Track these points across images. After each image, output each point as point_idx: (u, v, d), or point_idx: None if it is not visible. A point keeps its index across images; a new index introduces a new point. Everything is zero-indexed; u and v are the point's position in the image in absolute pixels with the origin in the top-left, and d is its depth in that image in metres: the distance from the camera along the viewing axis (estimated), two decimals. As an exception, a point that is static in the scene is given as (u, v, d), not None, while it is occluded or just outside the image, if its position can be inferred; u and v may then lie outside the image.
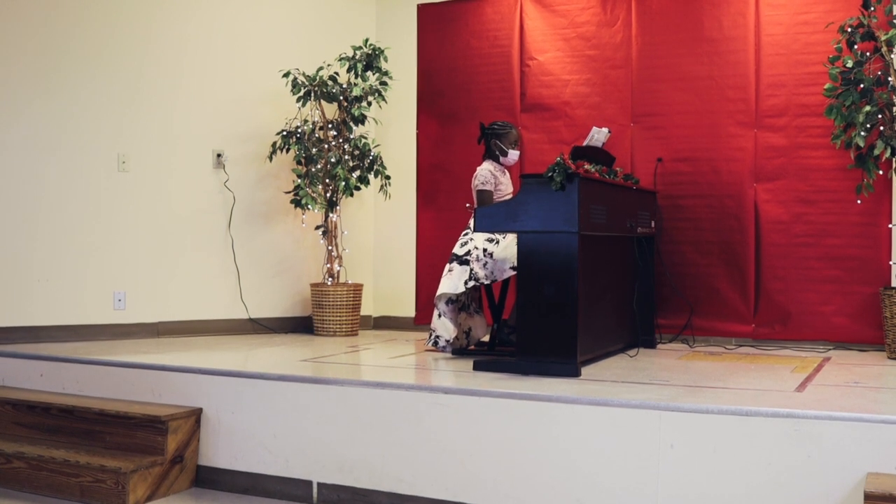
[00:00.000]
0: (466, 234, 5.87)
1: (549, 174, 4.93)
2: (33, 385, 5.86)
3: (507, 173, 6.10)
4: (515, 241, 5.54)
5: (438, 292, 5.78)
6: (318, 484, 4.89)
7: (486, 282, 5.71)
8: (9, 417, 5.60)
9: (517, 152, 6.05)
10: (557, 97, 7.15)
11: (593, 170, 5.42)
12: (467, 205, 6.26)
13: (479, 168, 5.99)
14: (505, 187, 5.99)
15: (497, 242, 5.65)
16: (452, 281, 5.74)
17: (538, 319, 5.03)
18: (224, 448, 5.17)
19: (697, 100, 6.71)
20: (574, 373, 4.91)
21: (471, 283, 5.67)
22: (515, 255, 5.50)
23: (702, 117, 6.70)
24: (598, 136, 5.94)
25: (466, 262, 5.72)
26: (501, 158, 6.03)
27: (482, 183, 5.90)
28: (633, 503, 4.13)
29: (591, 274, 5.23)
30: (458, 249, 5.83)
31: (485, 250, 5.65)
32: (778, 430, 3.91)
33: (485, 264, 5.64)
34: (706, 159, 6.67)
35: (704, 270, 6.65)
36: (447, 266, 5.82)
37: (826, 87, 5.85)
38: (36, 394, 5.72)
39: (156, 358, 5.74)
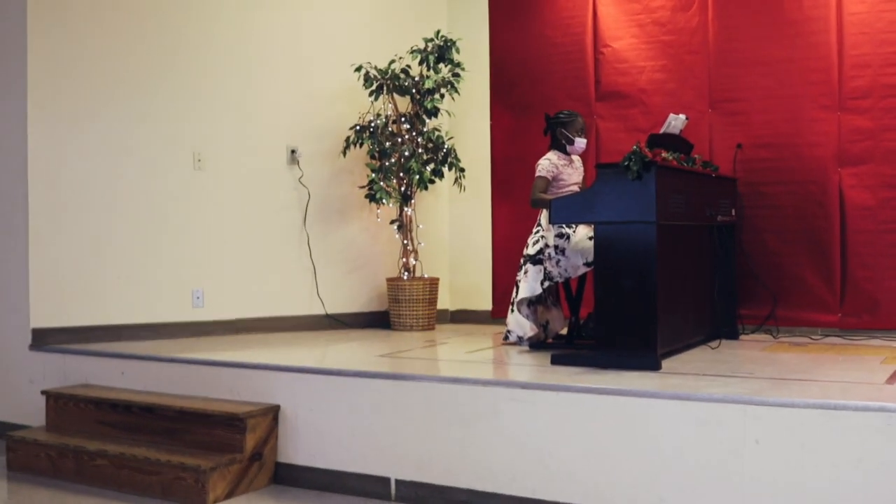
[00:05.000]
0: (537, 231, 5.80)
1: (626, 163, 4.83)
2: (115, 383, 5.93)
3: (577, 164, 6.01)
4: (586, 236, 5.47)
5: (518, 297, 5.73)
6: (397, 481, 4.86)
7: (560, 280, 5.64)
8: (92, 416, 5.68)
9: (584, 140, 5.95)
10: (633, 84, 7.02)
11: (671, 158, 5.30)
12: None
13: (542, 158, 5.91)
14: (570, 178, 5.89)
15: (567, 238, 5.57)
16: (529, 283, 5.69)
17: (617, 312, 4.93)
18: (302, 445, 5.18)
19: (777, 83, 6.53)
20: (654, 366, 4.80)
21: (546, 283, 5.61)
22: (587, 251, 5.44)
23: (782, 101, 6.51)
24: (675, 123, 5.81)
25: (540, 262, 5.66)
26: (568, 147, 5.93)
27: (539, 171, 5.82)
28: (717, 500, 4.02)
29: (671, 265, 5.11)
30: (529, 250, 5.77)
31: (556, 247, 5.58)
32: (868, 425, 3.76)
33: (557, 262, 5.57)
34: (788, 144, 6.48)
35: (788, 259, 6.47)
36: (521, 268, 5.76)
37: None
38: (118, 392, 5.79)
39: (234, 355, 5.76)
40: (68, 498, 5.08)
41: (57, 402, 5.84)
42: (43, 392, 5.92)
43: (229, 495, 4.96)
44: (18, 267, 6.34)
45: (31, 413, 6.09)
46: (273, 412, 5.24)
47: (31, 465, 5.52)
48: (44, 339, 6.30)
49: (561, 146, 5.93)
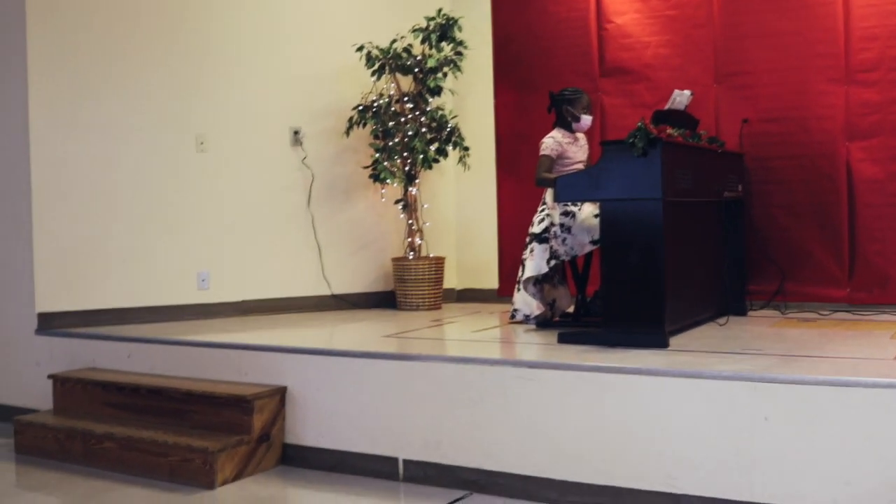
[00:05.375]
0: (543, 210, 5.76)
1: (631, 140, 4.79)
2: (122, 366, 5.93)
3: (582, 141, 5.96)
4: (592, 213, 5.43)
5: (525, 276, 5.70)
6: (405, 461, 4.85)
7: (567, 258, 5.61)
8: (99, 398, 5.68)
9: (590, 117, 5.90)
10: (638, 60, 6.96)
11: (676, 134, 5.25)
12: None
13: (546, 136, 5.86)
14: (575, 156, 5.84)
15: (573, 216, 5.53)
16: (535, 262, 5.66)
17: (624, 289, 4.90)
18: (310, 426, 5.17)
19: (784, 57, 6.46)
20: (662, 343, 4.77)
21: (553, 262, 5.58)
22: (593, 229, 5.41)
23: (789, 75, 6.44)
24: (680, 98, 5.76)
25: (545, 240, 5.63)
26: (574, 125, 5.88)
27: (543, 149, 5.77)
28: (726, 478, 4.00)
29: (678, 241, 5.07)
30: (535, 228, 5.73)
31: (562, 225, 5.55)
32: (879, 401, 3.74)
33: (563, 240, 5.54)
34: (795, 118, 6.41)
35: (796, 234, 6.42)
36: (527, 247, 5.73)
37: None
38: (124, 375, 5.79)
39: (240, 337, 5.76)
40: (76, 480, 5.08)
41: (64, 385, 5.84)
42: (50, 376, 5.92)
43: (237, 476, 4.96)
44: (23, 251, 6.33)
45: (38, 396, 6.09)
46: (280, 393, 5.23)
47: (39, 447, 5.53)
48: (50, 323, 6.30)
49: (566, 124, 5.88)
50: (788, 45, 6.43)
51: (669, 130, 5.10)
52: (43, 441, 5.52)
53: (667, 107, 5.70)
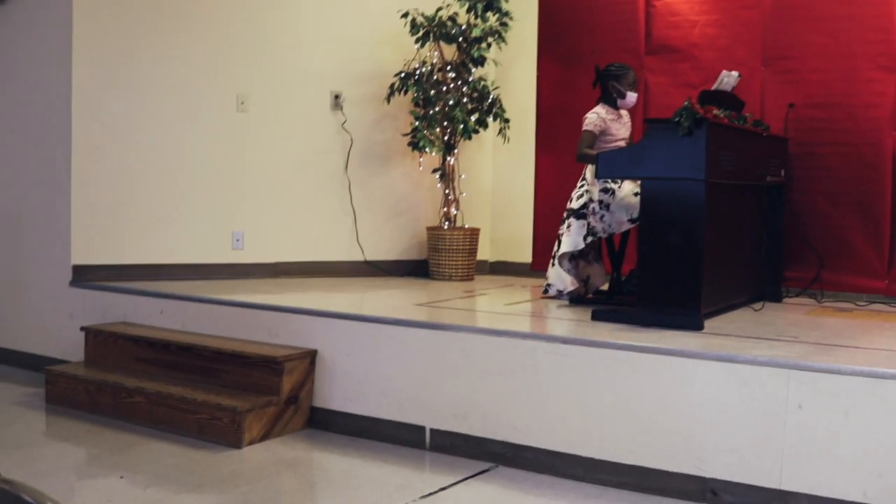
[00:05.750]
0: (582, 185, 5.72)
1: (677, 119, 4.73)
2: (154, 322, 5.96)
3: (625, 118, 5.89)
4: (632, 191, 5.39)
5: (560, 251, 5.67)
6: (432, 430, 4.85)
7: (604, 235, 5.57)
8: (130, 353, 5.71)
9: (635, 94, 5.83)
10: (685, 39, 6.86)
11: (722, 115, 5.19)
12: None
13: (590, 111, 5.80)
14: (618, 132, 5.78)
15: (613, 193, 5.49)
16: (572, 238, 5.62)
17: (661, 270, 4.86)
18: (338, 390, 5.18)
19: (834, 42, 6.34)
20: (697, 326, 4.73)
21: (590, 238, 5.54)
22: (632, 207, 5.36)
23: (838, 60, 6.32)
24: (727, 79, 5.69)
25: (583, 216, 5.58)
26: (619, 101, 5.81)
27: (587, 124, 5.71)
28: (757, 465, 3.97)
29: (717, 224, 5.01)
30: (573, 203, 5.69)
31: (601, 202, 5.50)
32: (917, 394, 3.70)
33: (601, 217, 5.50)
34: (842, 105, 6.30)
35: (836, 222, 6.32)
36: (564, 222, 5.69)
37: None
38: (156, 330, 5.82)
39: (273, 298, 5.76)
40: (105, 432, 5.12)
41: (96, 338, 5.88)
42: (82, 328, 5.96)
43: (265, 437, 4.98)
44: (61, 204, 6.37)
45: (69, 348, 6.14)
46: (310, 356, 5.24)
47: (69, 398, 5.57)
48: (84, 276, 6.34)
49: (610, 100, 5.82)
50: (838, 29, 6.32)
51: (715, 111, 5.04)
52: (73, 392, 5.56)
53: (714, 87, 5.62)
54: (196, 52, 6.62)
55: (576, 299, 5.75)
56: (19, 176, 6.69)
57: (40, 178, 6.54)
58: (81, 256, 6.36)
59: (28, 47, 6.60)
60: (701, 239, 4.73)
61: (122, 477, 4.35)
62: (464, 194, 7.30)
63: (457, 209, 7.22)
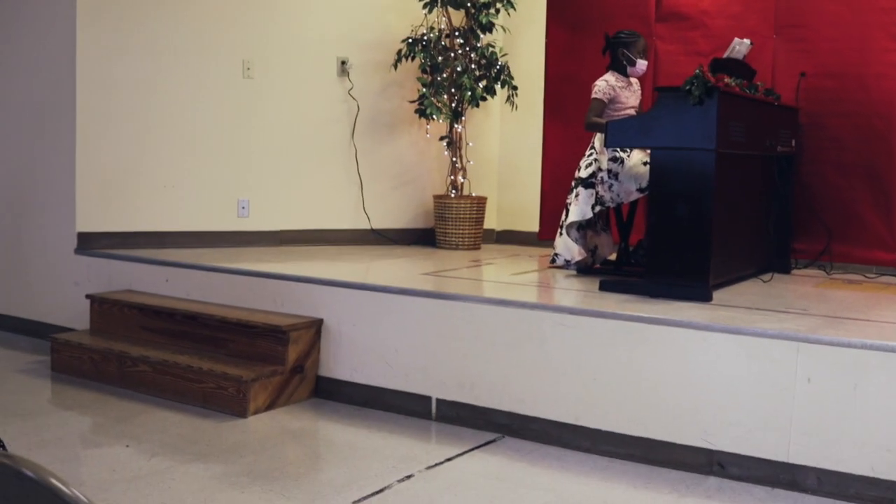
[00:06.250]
0: (591, 154, 5.65)
1: (688, 87, 4.66)
2: (159, 290, 5.94)
3: (635, 86, 5.82)
4: (641, 161, 5.33)
5: (568, 221, 5.61)
6: (438, 400, 4.84)
7: (612, 205, 5.52)
8: (135, 321, 5.69)
9: (645, 62, 5.75)
10: (695, 6, 6.77)
11: (734, 84, 5.12)
12: None
13: (599, 79, 5.73)
14: (627, 101, 5.71)
15: (622, 162, 5.42)
16: (580, 207, 5.56)
17: (669, 240, 4.81)
18: (344, 360, 5.16)
19: (847, 10, 6.24)
20: (705, 297, 4.69)
21: (598, 208, 5.49)
22: (641, 177, 5.30)
23: (851, 29, 6.23)
24: (739, 47, 5.61)
25: (591, 185, 5.53)
26: (629, 69, 5.74)
27: (596, 92, 5.64)
28: (764, 438, 3.95)
29: (727, 194, 4.96)
30: (582, 172, 5.63)
31: (609, 171, 5.44)
32: (928, 369, 3.66)
33: (610, 186, 5.44)
34: (854, 75, 6.22)
35: (846, 194, 6.26)
36: (572, 191, 5.64)
37: None
38: (161, 299, 5.80)
39: (278, 267, 5.73)
40: (111, 401, 5.12)
41: (101, 306, 5.86)
42: (87, 296, 5.94)
43: (270, 407, 4.97)
44: (65, 170, 6.33)
45: (74, 316, 6.13)
46: (316, 326, 5.22)
47: (75, 367, 5.56)
48: (89, 244, 6.31)
49: (620, 67, 5.74)
50: (851, -2, 6.23)
51: (727, 80, 4.98)
52: (79, 361, 5.55)
53: (725, 55, 5.54)
54: (201, 17, 6.55)
55: (583, 269, 5.71)
56: (24, 143, 6.65)
57: (45, 145, 6.50)
58: (86, 224, 6.33)
59: (31, 13, 6.53)
60: (710, 209, 4.68)
61: (127, 446, 4.34)
62: (471, 162, 7.25)
63: (464, 177, 7.17)
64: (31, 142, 6.60)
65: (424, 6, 6.87)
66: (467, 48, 6.96)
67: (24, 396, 5.19)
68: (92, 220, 6.33)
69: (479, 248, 7.10)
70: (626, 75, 5.75)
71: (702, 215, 4.70)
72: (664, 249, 4.84)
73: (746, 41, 5.65)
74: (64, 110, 6.31)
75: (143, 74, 6.41)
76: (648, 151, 5.12)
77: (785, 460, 3.91)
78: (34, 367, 5.77)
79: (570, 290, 5.27)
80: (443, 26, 6.98)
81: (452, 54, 6.94)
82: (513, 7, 6.97)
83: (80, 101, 6.25)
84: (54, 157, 6.42)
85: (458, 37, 6.98)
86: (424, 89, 6.93)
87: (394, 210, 7.28)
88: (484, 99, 7.01)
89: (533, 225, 7.53)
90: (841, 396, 3.81)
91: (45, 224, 6.53)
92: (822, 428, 3.84)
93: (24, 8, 6.57)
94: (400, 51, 6.92)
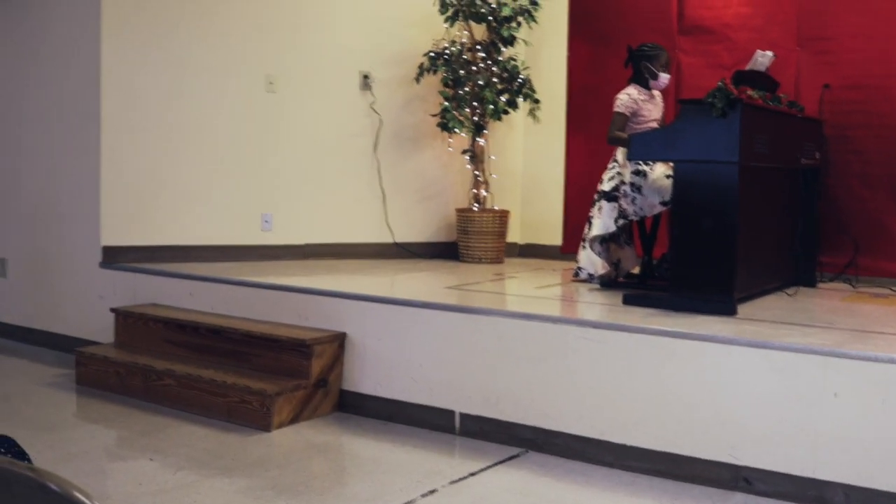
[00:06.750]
0: (613, 167, 5.64)
1: (710, 99, 4.65)
2: (183, 304, 5.96)
3: (658, 99, 5.81)
4: (664, 174, 5.32)
5: (591, 234, 5.60)
6: (461, 414, 4.83)
7: (635, 218, 5.50)
8: (160, 335, 5.72)
9: (668, 76, 5.74)
10: (718, 19, 6.76)
11: (756, 96, 5.10)
12: None
13: (621, 92, 5.72)
14: (650, 114, 5.70)
15: (645, 175, 5.41)
16: (603, 220, 5.55)
17: (694, 254, 4.79)
18: (368, 374, 5.16)
19: (871, 22, 6.21)
20: (730, 311, 4.67)
21: (621, 221, 5.48)
22: (664, 190, 5.29)
23: (875, 41, 6.20)
24: (762, 59, 5.59)
25: (615, 199, 5.52)
26: (651, 82, 5.73)
27: (618, 106, 5.63)
28: (790, 453, 3.92)
29: (751, 207, 4.93)
30: (604, 185, 5.62)
31: (632, 184, 5.43)
32: (956, 383, 3.63)
33: (633, 199, 5.43)
34: (879, 87, 6.17)
35: (872, 206, 6.21)
36: (595, 205, 5.63)
37: None
38: (185, 312, 5.82)
39: (302, 281, 5.75)
40: (136, 414, 5.13)
41: (126, 319, 5.89)
42: (112, 309, 5.97)
43: (294, 420, 4.97)
44: (91, 184, 6.38)
45: (99, 330, 6.16)
46: (340, 339, 5.22)
47: (100, 380, 5.59)
48: (114, 257, 6.35)
49: (643, 80, 5.74)
50: (877, 9, 6.19)
51: (750, 92, 4.96)
52: (104, 375, 5.58)
53: (748, 67, 5.52)
54: (225, 32, 6.59)
55: (607, 283, 5.69)
56: (49, 157, 6.70)
57: (70, 159, 6.55)
58: (111, 238, 6.37)
59: (57, 27, 6.59)
60: (734, 223, 4.66)
61: (151, 459, 4.36)
62: (494, 176, 7.25)
63: (486, 191, 7.17)
64: (56, 156, 6.65)
65: (446, 20, 6.89)
66: (489, 62, 6.97)
67: (50, 410, 5.22)
68: (117, 234, 6.37)
69: (502, 262, 7.09)
70: (648, 88, 5.74)
71: (726, 228, 4.68)
72: (688, 263, 4.82)
73: (769, 53, 5.63)
74: (89, 125, 6.36)
75: (167, 89, 6.45)
76: (671, 164, 5.11)
77: (812, 476, 3.88)
78: (59, 381, 5.80)
79: (593, 304, 5.26)
80: (465, 40, 7.00)
81: (474, 68, 6.95)
82: (535, 20, 6.98)
83: (104, 115, 6.30)
84: (79, 171, 6.47)
85: (479, 50, 6.99)
86: (447, 103, 6.94)
87: (417, 224, 7.28)
88: (506, 112, 7.02)
89: (556, 238, 7.52)
90: (868, 411, 3.78)
91: (70, 238, 6.57)
92: (849, 443, 3.81)
93: (50, 23, 6.63)
94: (422, 65, 6.94)
